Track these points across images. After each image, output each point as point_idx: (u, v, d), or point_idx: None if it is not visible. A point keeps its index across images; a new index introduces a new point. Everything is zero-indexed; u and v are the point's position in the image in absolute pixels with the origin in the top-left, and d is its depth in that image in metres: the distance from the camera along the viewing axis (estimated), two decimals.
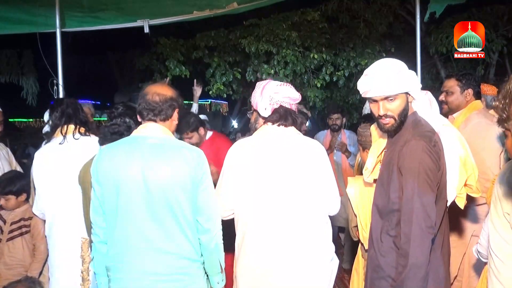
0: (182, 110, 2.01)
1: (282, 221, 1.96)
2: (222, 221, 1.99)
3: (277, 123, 2.05)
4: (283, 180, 1.98)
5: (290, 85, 2.11)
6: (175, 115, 1.94)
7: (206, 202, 1.87)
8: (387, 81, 1.78)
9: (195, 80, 4.46)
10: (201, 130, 3.40)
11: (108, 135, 2.20)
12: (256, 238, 1.97)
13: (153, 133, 1.87)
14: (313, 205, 2.00)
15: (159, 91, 1.89)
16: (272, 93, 2.03)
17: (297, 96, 2.10)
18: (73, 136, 2.51)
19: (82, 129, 2.56)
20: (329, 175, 2.07)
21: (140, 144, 1.83)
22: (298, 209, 1.98)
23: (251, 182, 1.99)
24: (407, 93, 1.83)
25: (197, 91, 4.39)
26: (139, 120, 1.94)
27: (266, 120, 2.07)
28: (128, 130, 2.16)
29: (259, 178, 1.99)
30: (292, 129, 2.08)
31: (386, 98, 1.81)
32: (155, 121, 1.88)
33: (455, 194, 1.85)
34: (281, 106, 2.04)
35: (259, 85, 2.11)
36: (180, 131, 3.27)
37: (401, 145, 1.80)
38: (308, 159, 2.02)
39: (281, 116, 2.05)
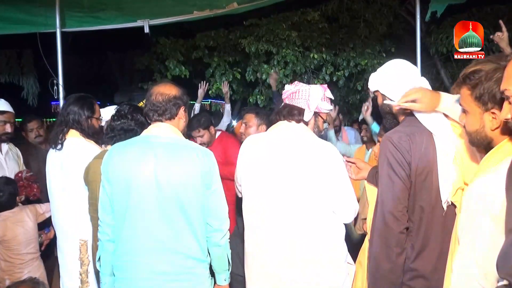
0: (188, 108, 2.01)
1: (290, 220, 1.95)
2: None
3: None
4: (294, 180, 1.96)
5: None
6: (181, 113, 1.92)
7: (217, 204, 1.90)
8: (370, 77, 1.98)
9: (201, 82, 4.50)
10: (212, 129, 3.42)
11: (122, 133, 2.18)
12: (263, 237, 1.97)
13: (165, 133, 1.87)
14: (321, 206, 1.95)
15: (162, 90, 1.89)
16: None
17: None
18: (63, 141, 2.48)
19: (79, 134, 2.51)
20: (343, 181, 1.98)
21: (152, 143, 1.84)
22: (306, 210, 1.95)
23: (260, 179, 1.99)
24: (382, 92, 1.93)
25: (202, 93, 4.47)
26: (147, 121, 1.94)
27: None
28: (141, 127, 2.11)
29: (270, 175, 1.97)
30: (303, 127, 2.02)
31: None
32: (161, 121, 1.88)
33: (447, 196, 1.75)
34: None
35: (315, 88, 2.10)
36: (191, 129, 3.27)
37: None
38: (321, 162, 1.96)
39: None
